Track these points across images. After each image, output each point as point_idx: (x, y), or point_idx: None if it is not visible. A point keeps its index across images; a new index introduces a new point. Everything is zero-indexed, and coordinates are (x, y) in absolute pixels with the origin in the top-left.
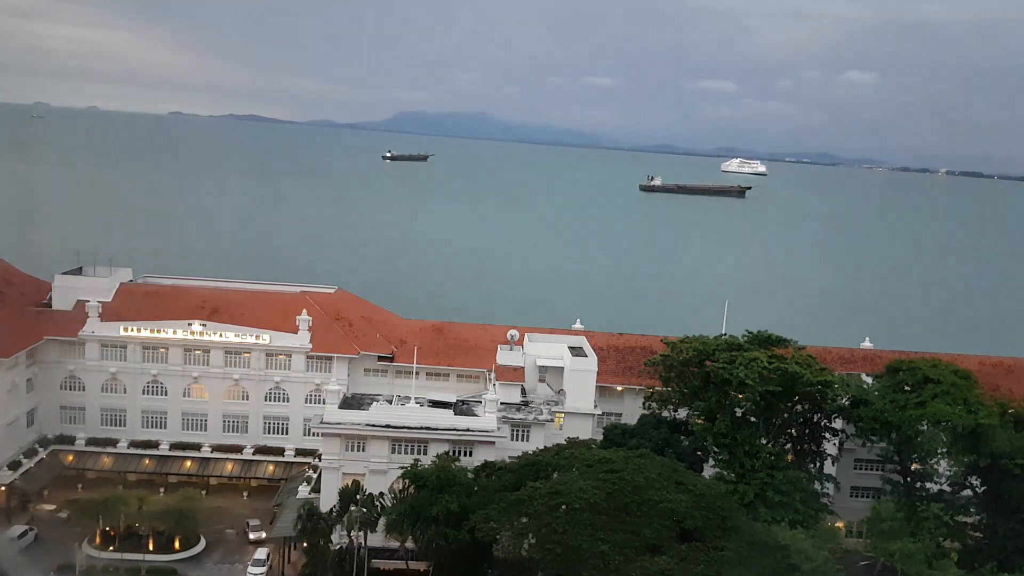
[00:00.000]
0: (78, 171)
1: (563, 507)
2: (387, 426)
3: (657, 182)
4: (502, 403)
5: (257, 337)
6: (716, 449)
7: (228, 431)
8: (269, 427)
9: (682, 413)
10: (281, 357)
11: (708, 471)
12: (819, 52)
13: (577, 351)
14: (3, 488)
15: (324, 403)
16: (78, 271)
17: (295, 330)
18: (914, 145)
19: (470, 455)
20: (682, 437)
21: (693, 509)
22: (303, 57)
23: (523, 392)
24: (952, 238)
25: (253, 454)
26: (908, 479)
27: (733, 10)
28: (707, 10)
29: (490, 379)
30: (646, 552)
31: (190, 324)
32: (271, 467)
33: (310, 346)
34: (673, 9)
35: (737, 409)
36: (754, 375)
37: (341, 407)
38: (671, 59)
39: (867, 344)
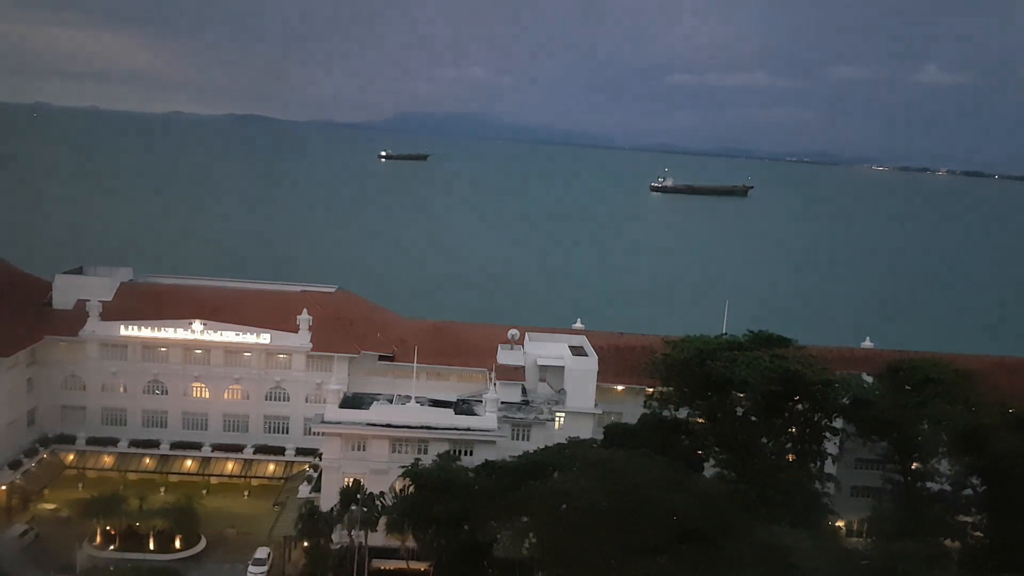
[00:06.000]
0: (78, 170)
1: (563, 507)
2: (387, 425)
3: (669, 183)
4: (502, 402)
5: (257, 336)
6: (717, 449)
7: (228, 430)
8: (270, 426)
9: (682, 413)
10: (281, 357)
11: (708, 471)
12: (818, 51)
13: (577, 351)
14: (3, 488)
15: (324, 403)
16: (78, 271)
17: (295, 330)
18: (914, 144)
19: (471, 455)
20: (683, 437)
21: (694, 509)
22: (303, 56)
23: (523, 392)
24: (952, 237)
25: (254, 453)
26: (908, 479)
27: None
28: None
29: (490, 379)
30: (647, 552)
31: (190, 324)
32: (272, 466)
33: (310, 346)
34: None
35: (738, 409)
36: (756, 374)
37: (341, 407)
38: (671, 58)
39: (867, 344)
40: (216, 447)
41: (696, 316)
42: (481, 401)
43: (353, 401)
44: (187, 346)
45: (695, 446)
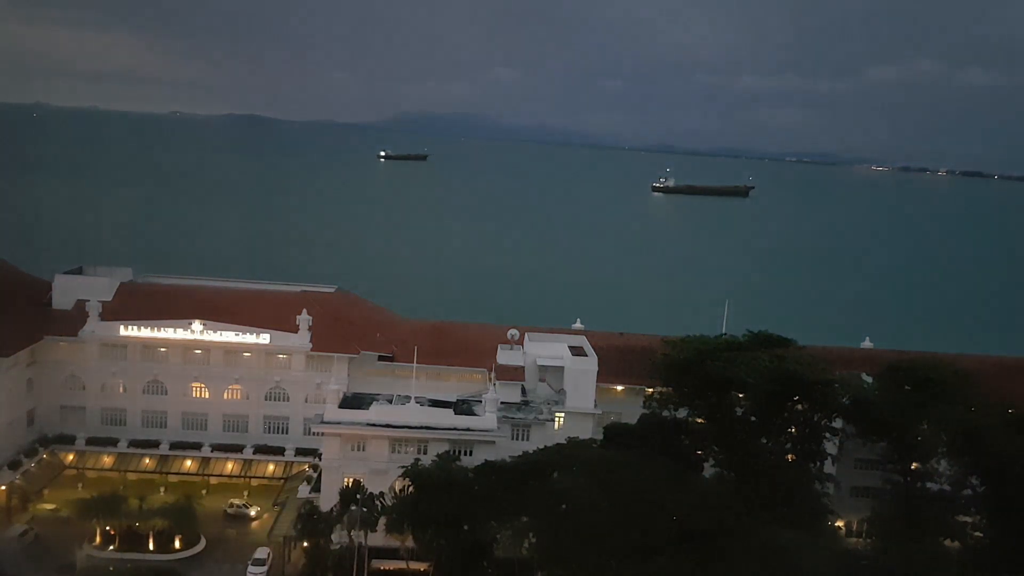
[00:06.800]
0: (78, 171)
1: (563, 507)
2: (387, 426)
3: (670, 183)
4: (502, 402)
5: (257, 337)
6: (717, 449)
7: (228, 430)
8: (269, 427)
9: (682, 413)
10: (281, 357)
11: (708, 471)
12: (818, 51)
13: (577, 351)
14: (3, 488)
15: (324, 403)
16: (78, 271)
17: (295, 330)
18: (914, 145)
19: (470, 455)
20: (683, 437)
21: (693, 509)
22: (303, 56)
23: (523, 392)
24: (952, 238)
25: (253, 453)
26: (908, 479)
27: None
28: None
29: (490, 379)
30: (646, 552)
31: (190, 324)
32: (271, 466)
33: (310, 346)
34: (679, 6)
35: (737, 409)
36: (755, 375)
37: (341, 407)
38: (672, 58)
39: (867, 344)
40: (216, 447)
41: (696, 316)
42: (481, 401)
43: (353, 401)
44: (187, 346)
45: (695, 446)
